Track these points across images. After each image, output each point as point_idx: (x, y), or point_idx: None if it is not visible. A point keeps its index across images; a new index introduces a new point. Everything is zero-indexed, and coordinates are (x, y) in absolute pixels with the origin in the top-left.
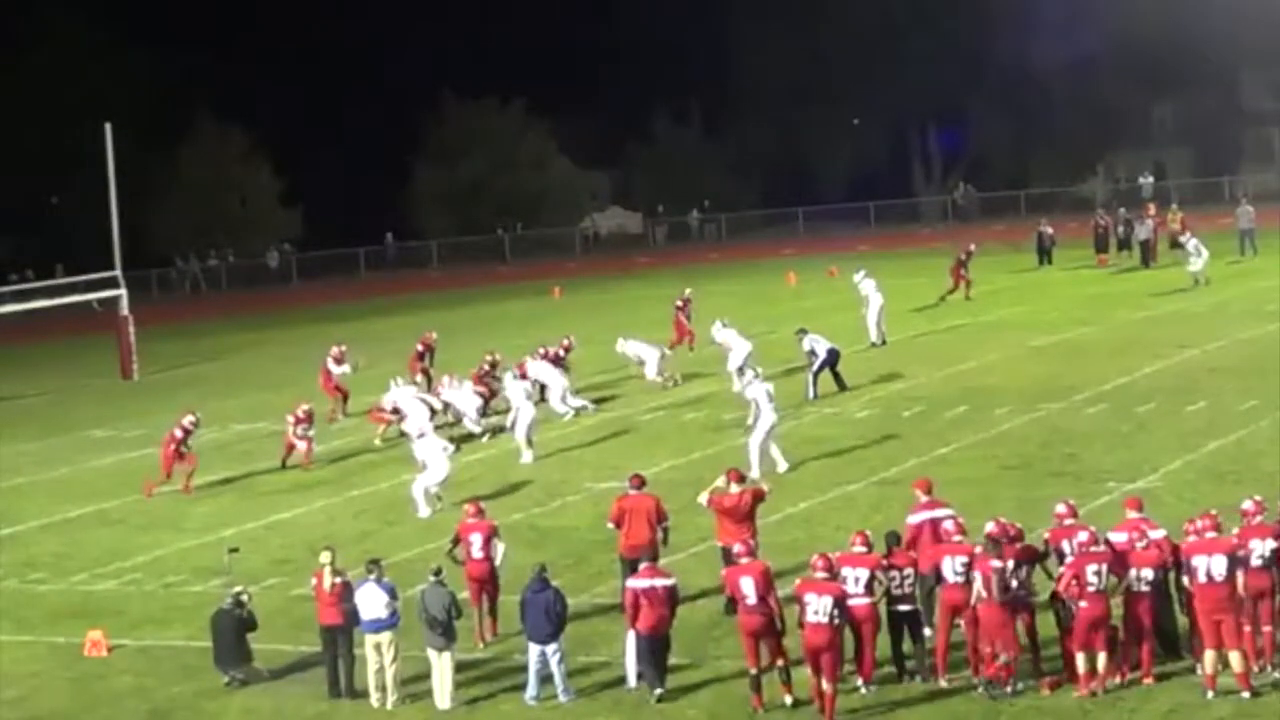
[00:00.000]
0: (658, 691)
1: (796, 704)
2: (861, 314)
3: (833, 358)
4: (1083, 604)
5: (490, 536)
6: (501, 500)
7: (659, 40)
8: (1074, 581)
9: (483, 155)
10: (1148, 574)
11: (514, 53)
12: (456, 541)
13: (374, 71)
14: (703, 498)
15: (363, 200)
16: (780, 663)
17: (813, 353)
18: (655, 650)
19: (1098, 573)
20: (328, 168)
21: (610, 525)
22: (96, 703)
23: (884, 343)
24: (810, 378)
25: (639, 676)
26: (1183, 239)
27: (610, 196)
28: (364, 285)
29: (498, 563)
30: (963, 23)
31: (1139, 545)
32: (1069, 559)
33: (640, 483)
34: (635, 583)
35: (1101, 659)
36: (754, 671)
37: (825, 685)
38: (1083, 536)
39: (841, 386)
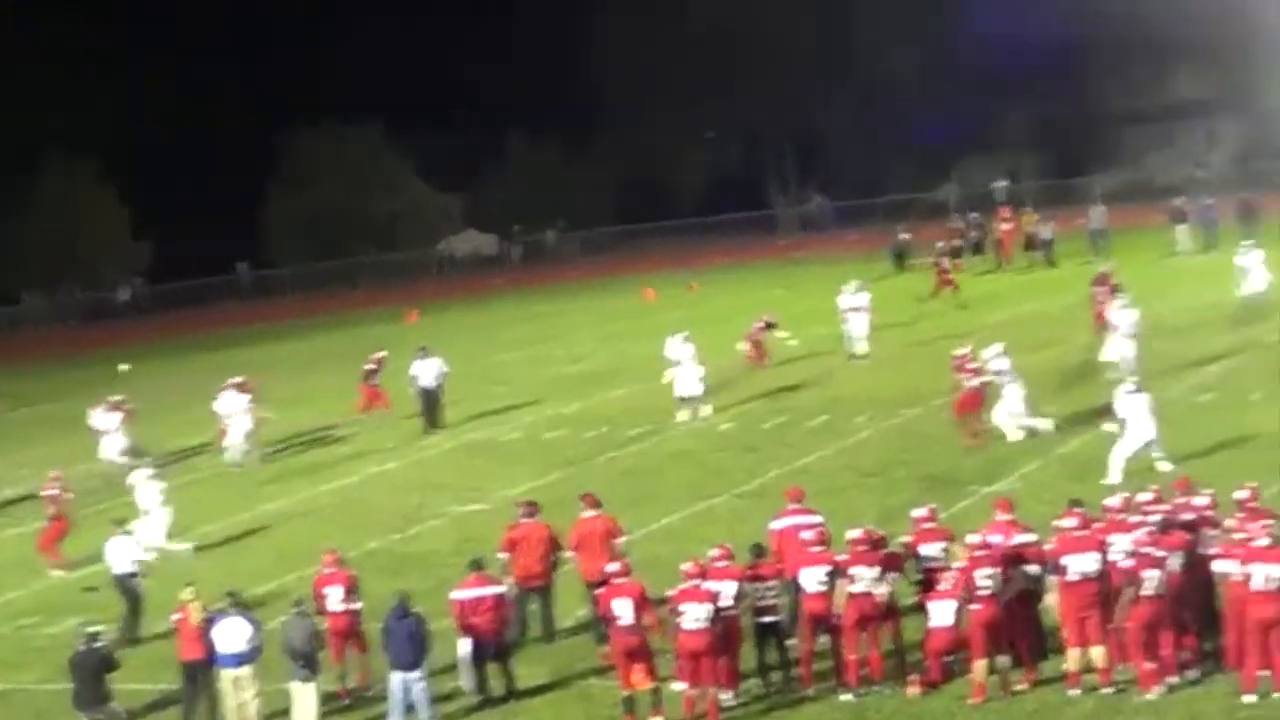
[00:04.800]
0: (477, 698)
1: None
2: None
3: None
4: (975, 607)
5: (351, 588)
6: (359, 528)
7: (513, 60)
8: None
9: (337, 179)
10: (1033, 569)
11: (367, 75)
12: (319, 599)
13: (225, 97)
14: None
15: (215, 229)
16: (651, 684)
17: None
18: (485, 657)
19: (989, 576)
20: (178, 197)
21: (501, 555)
22: None
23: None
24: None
25: (479, 686)
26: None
27: (465, 218)
28: (218, 316)
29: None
30: (814, 34)
31: (1017, 543)
32: (930, 563)
33: (532, 510)
34: (461, 593)
35: (1004, 662)
36: (627, 694)
37: (709, 691)
38: (939, 546)
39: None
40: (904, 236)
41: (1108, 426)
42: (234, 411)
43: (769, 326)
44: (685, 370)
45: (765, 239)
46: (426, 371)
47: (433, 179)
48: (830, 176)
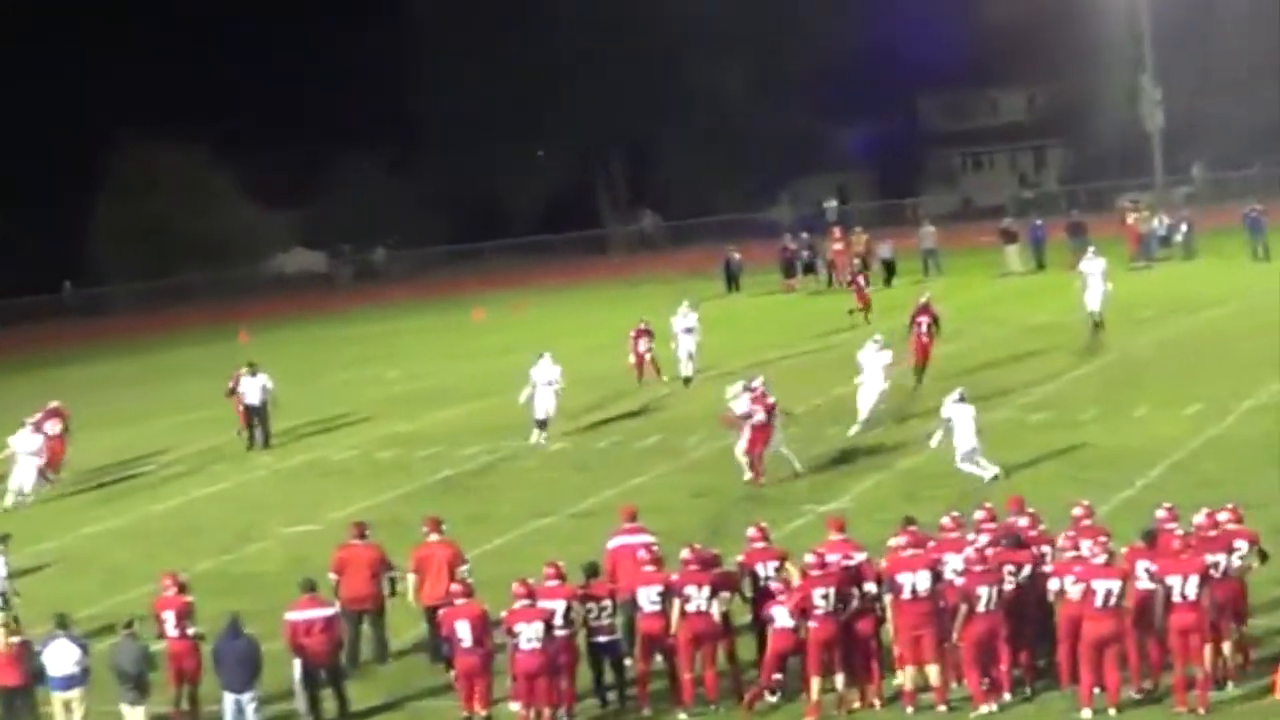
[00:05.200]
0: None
1: None
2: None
3: None
4: (812, 625)
5: (185, 614)
6: (191, 549)
7: (344, 78)
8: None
9: (166, 197)
10: (871, 588)
11: (197, 91)
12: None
13: (53, 111)
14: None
15: (40, 247)
16: (484, 712)
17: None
18: (317, 679)
19: (825, 595)
20: (1, 213)
21: (331, 576)
22: None
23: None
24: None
25: (310, 707)
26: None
27: (296, 236)
28: (41, 336)
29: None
30: (647, 53)
31: (855, 562)
32: (764, 582)
33: (360, 532)
34: (293, 615)
35: (839, 681)
36: (466, 715)
37: (545, 712)
38: (772, 566)
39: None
40: (735, 256)
41: (933, 442)
42: (24, 450)
43: (645, 334)
44: (545, 392)
45: (598, 258)
46: (252, 389)
47: (263, 197)
48: (662, 195)
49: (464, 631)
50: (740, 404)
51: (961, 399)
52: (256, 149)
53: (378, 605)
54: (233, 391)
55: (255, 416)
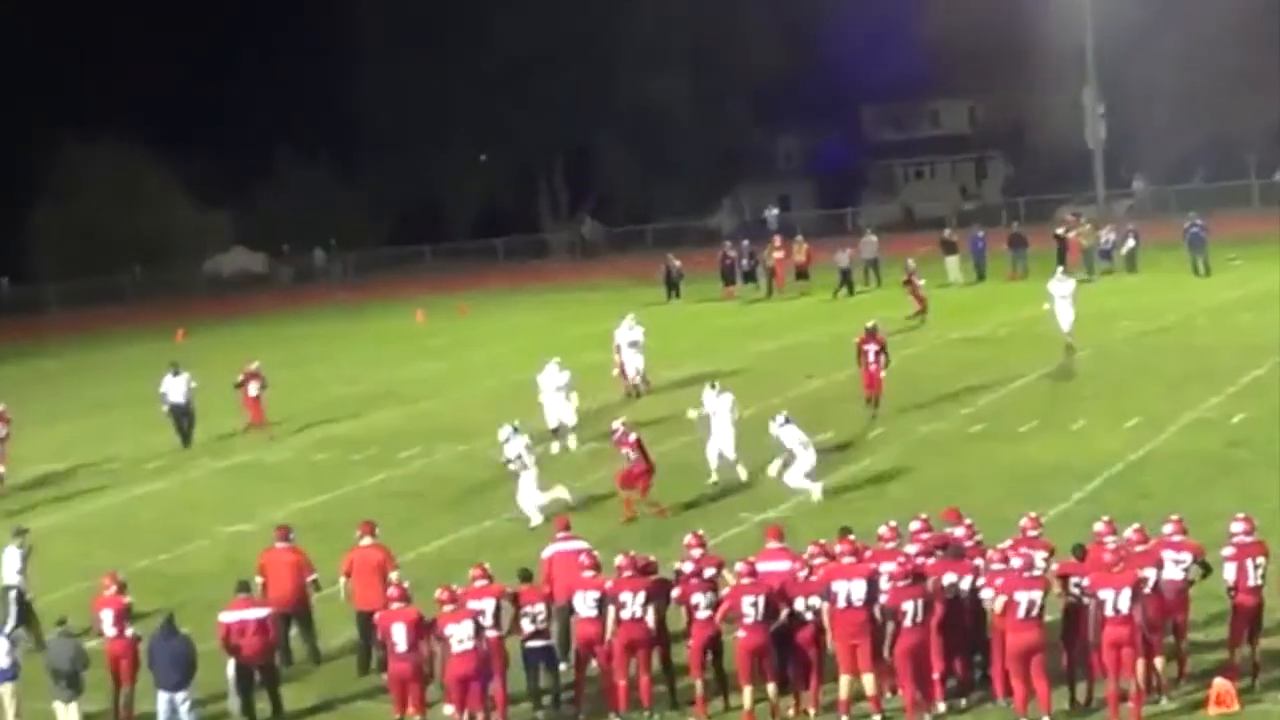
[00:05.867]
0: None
1: None
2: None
3: None
4: (740, 634)
5: (122, 614)
6: (127, 547)
7: (283, 77)
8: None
9: (101, 195)
10: (815, 602)
11: (133, 89)
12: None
13: None
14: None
15: None
16: (418, 716)
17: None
18: (251, 680)
19: (754, 604)
20: None
21: (257, 579)
22: None
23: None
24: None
25: (244, 708)
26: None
27: (234, 236)
28: None
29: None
30: (589, 59)
31: (801, 575)
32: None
33: (284, 534)
34: (228, 615)
35: (771, 689)
36: (398, 719)
37: (477, 716)
38: (688, 567)
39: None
40: (675, 263)
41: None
42: None
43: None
44: (557, 398)
45: (538, 263)
46: (176, 388)
47: (200, 196)
48: (602, 201)
49: (399, 635)
50: (511, 447)
51: (787, 421)
52: (194, 149)
53: (304, 608)
54: (241, 384)
55: (178, 415)
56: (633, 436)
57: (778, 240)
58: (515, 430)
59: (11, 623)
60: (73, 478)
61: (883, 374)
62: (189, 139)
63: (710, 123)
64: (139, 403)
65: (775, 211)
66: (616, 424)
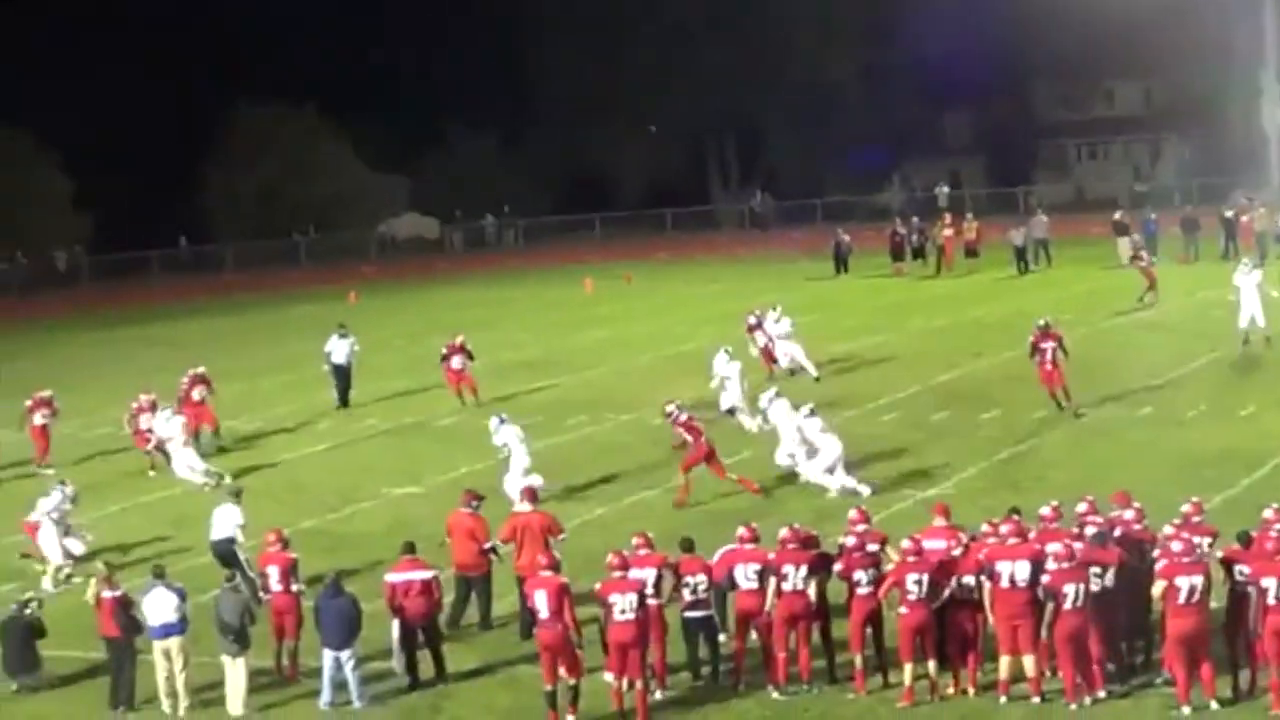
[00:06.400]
0: (407, 680)
1: None
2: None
3: None
4: (903, 611)
5: (289, 569)
6: (295, 506)
7: (455, 45)
8: (894, 589)
9: (277, 159)
10: (969, 581)
11: (308, 56)
12: (262, 577)
13: (168, 74)
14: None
15: (156, 203)
16: (573, 680)
17: None
18: (415, 640)
19: (918, 581)
20: (120, 170)
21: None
22: None
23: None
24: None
25: (408, 667)
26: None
27: (407, 201)
28: (158, 289)
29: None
30: (760, 31)
31: (955, 553)
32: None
33: (468, 500)
34: (393, 576)
35: (931, 667)
36: (550, 688)
37: (636, 684)
38: (850, 541)
39: None
40: (844, 238)
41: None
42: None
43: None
44: (729, 386)
45: (706, 235)
46: (340, 350)
47: (375, 161)
48: (771, 175)
49: (541, 602)
50: (499, 437)
51: (812, 413)
52: (371, 116)
53: (480, 573)
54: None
55: (340, 376)
56: (684, 417)
57: (948, 218)
58: (503, 421)
59: (236, 577)
60: (242, 437)
61: (1059, 371)
62: (365, 106)
63: (881, 98)
64: (309, 363)
65: (946, 189)
66: (671, 406)
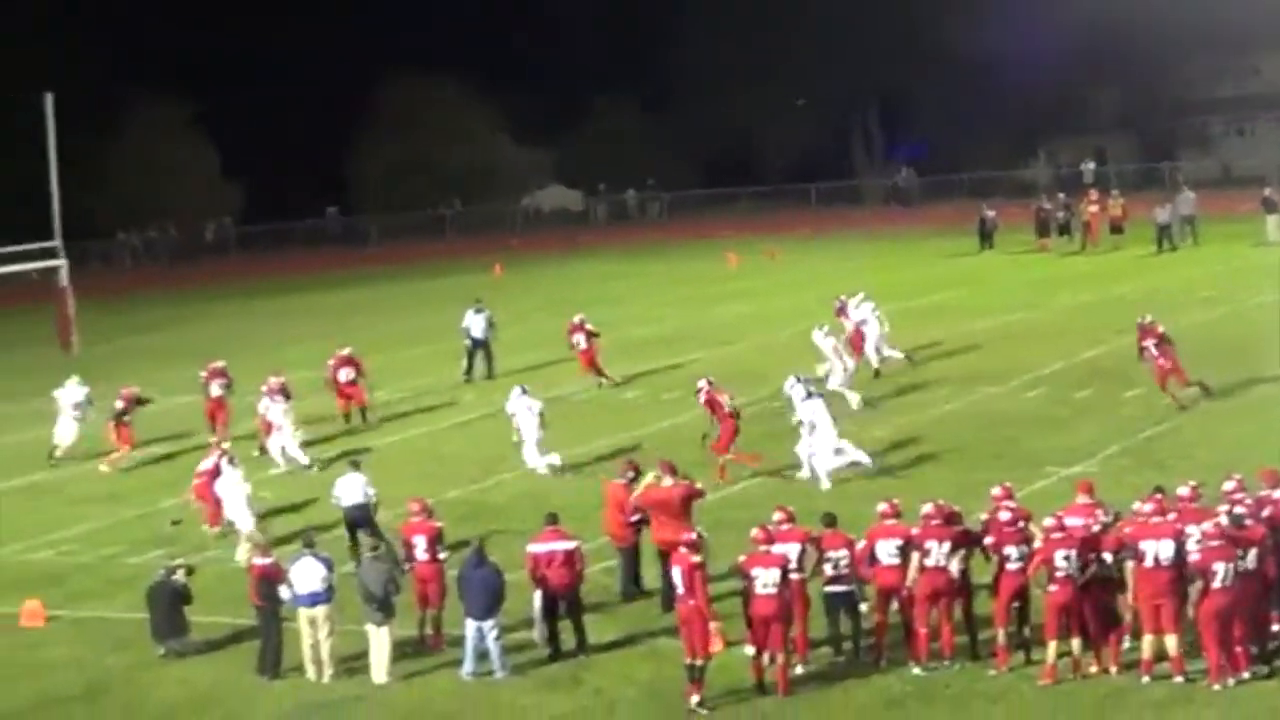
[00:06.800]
0: (548, 651)
1: (702, 703)
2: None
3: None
4: (1052, 588)
5: (435, 539)
6: (437, 477)
7: (602, 17)
8: (1042, 566)
9: (424, 131)
10: (1107, 558)
11: (456, 29)
12: (407, 546)
13: (317, 46)
14: (634, 495)
15: (304, 175)
16: (699, 660)
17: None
18: (556, 611)
19: (1066, 557)
20: (269, 142)
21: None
22: (32, 673)
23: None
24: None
25: (549, 638)
26: None
27: (552, 174)
28: (304, 259)
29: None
30: (907, 6)
31: (1094, 529)
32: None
33: (623, 470)
34: (535, 546)
35: (1075, 645)
36: (690, 661)
37: (778, 657)
38: (1004, 516)
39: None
40: (989, 214)
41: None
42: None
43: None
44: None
45: (850, 209)
46: (477, 324)
47: (521, 134)
48: (917, 150)
49: (677, 579)
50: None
51: (809, 395)
52: (517, 88)
53: (628, 544)
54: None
55: (479, 350)
56: (704, 397)
57: (1093, 194)
58: (524, 392)
59: (381, 547)
60: (384, 408)
61: (1170, 362)
62: (512, 78)
63: (1028, 73)
64: (453, 335)
65: (1091, 165)
66: (701, 382)
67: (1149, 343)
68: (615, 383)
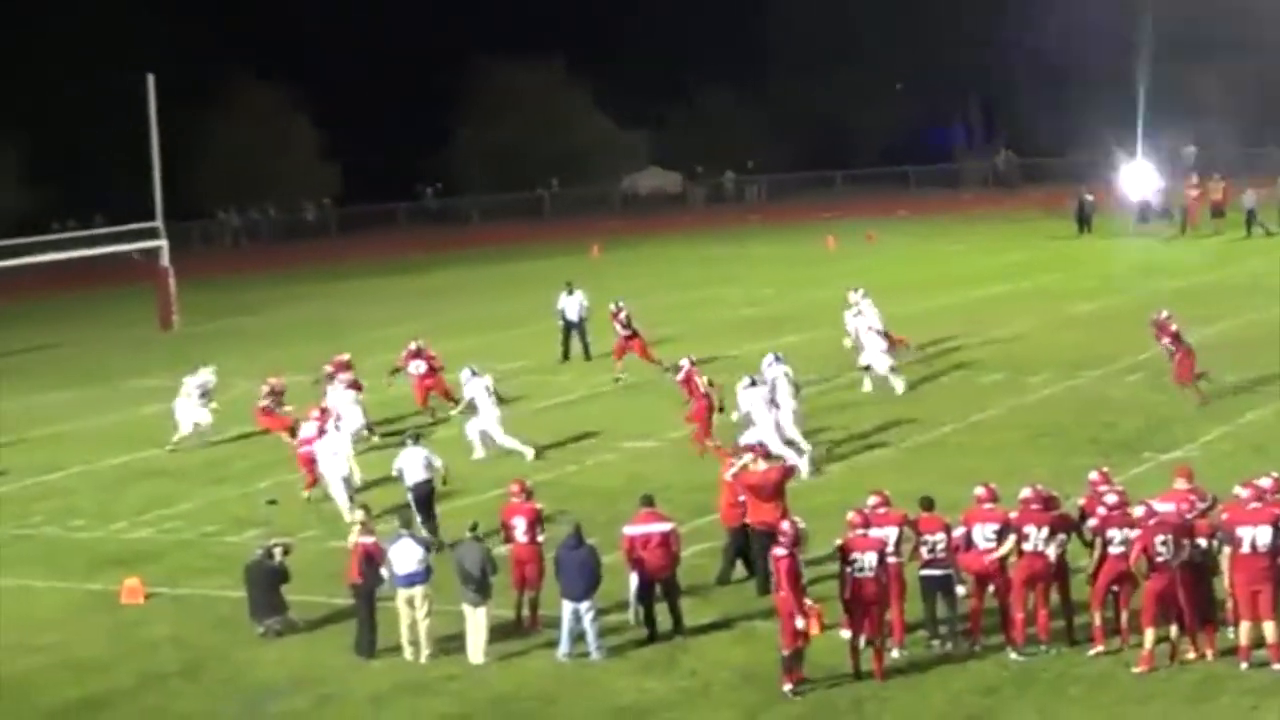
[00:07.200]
0: (644, 633)
1: (796, 689)
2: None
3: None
4: (1152, 576)
5: (535, 521)
6: (539, 458)
7: (701, 1)
8: (1143, 553)
9: (522, 113)
10: (1202, 544)
11: (554, 11)
12: (506, 528)
13: (415, 29)
14: (729, 474)
15: (403, 156)
16: (785, 650)
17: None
18: (653, 593)
19: (1165, 543)
20: (368, 124)
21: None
22: (132, 650)
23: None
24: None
25: (645, 620)
26: None
27: (649, 156)
28: (403, 240)
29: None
30: None
31: (1189, 515)
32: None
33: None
34: (631, 529)
35: (1174, 631)
36: (786, 652)
37: (874, 641)
38: (1111, 499)
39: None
40: (1088, 198)
41: None
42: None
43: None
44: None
45: (949, 193)
46: (571, 306)
47: (619, 116)
48: (1017, 133)
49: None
50: (469, 389)
51: (752, 382)
52: (615, 71)
53: (735, 526)
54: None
55: (574, 331)
56: (683, 374)
57: (1193, 178)
58: (474, 374)
59: (478, 527)
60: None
61: (1186, 359)
62: (610, 61)
63: (1125, 56)
64: (550, 317)
65: (1192, 149)
66: (684, 360)
67: (1163, 341)
68: (617, 377)
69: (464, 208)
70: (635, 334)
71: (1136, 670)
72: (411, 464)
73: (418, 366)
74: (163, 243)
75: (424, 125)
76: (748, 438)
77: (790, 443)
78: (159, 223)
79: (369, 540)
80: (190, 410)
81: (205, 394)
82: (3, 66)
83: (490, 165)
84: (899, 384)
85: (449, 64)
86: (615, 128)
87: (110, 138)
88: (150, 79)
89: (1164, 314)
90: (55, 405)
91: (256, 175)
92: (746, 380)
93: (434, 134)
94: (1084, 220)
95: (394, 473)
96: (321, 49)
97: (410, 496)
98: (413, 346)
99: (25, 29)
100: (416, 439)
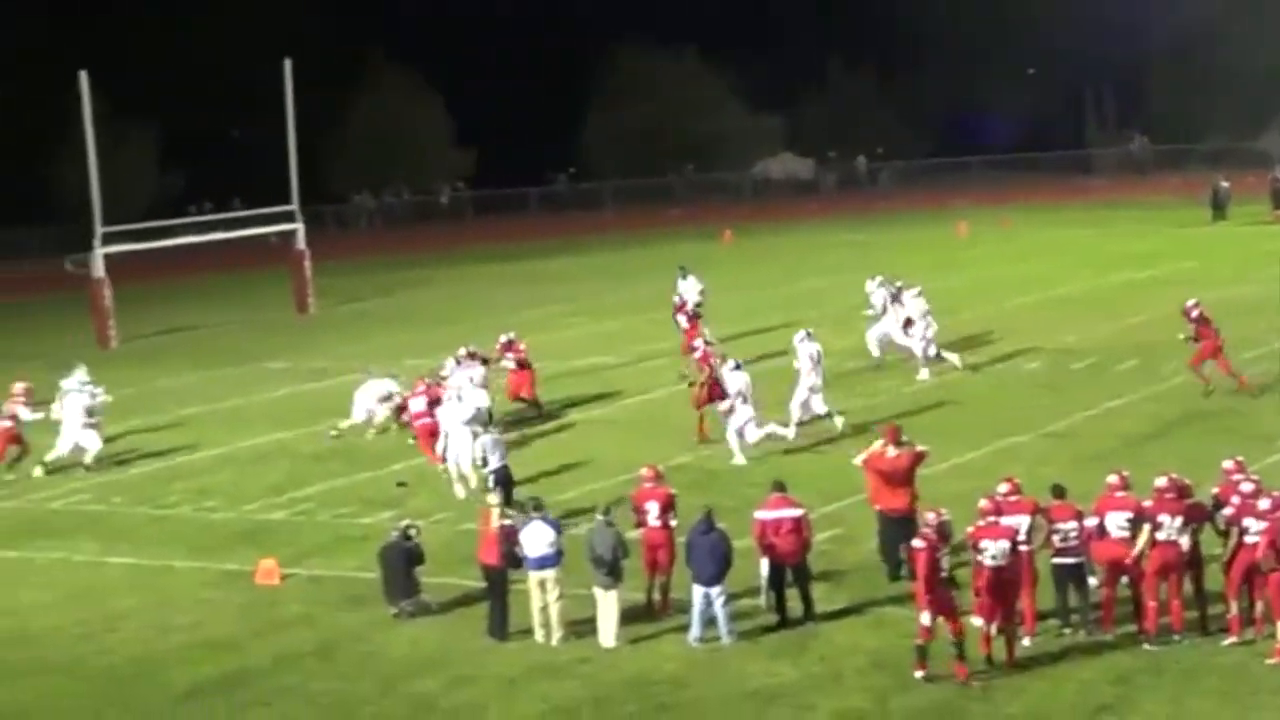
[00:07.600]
0: (775, 618)
1: (928, 677)
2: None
3: None
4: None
5: (667, 505)
6: (669, 442)
7: None
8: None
9: (655, 99)
10: None
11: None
12: (639, 512)
13: (550, 13)
14: (858, 459)
15: (536, 141)
16: (920, 641)
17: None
18: (784, 579)
19: None
20: (502, 109)
21: None
22: (266, 630)
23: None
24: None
25: (776, 605)
26: None
27: (782, 142)
28: (536, 224)
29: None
30: None
31: None
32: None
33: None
34: (763, 513)
35: None
36: (919, 642)
37: (1007, 629)
38: (1247, 488)
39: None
40: (1223, 184)
41: None
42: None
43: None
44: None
45: (1083, 179)
46: (689, 290)
47: (752, 101)
48: (1150, 120)
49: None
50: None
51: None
52: (748, 57)
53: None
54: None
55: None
56: (697, 356)
57: None
58: (459, 364)
59: (611, 511)
60: (613, 373)
61: (1212, 344)
62: (743, 47)
63: (1262, 40)
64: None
65: None
66: (698, 341)
67: (1192, 329)
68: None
69: (596, 192)
70: (527, 367)
71: (1270, 662)
72: (494, 451)
73: (510, 360)
74: (299, 226)
75: (557, 110)
76: (733, 423)
77: (802, 421)
78: (295, 206)
79: (505, 522)
80: (369, 403)
81: (388, 398)
82: (143, 52)
83: (623, 151)
84: (924, 372)
85: (583, 48)
86: (748, 113)
87: (248, 122)
88: (287, 64)
89: (1194, 302)
90: (191, 387)
91: (391, 158)
92: (731, 363)
93: (567, 119)
94: (1219, 207)
95: (476, 461)
96: (455, 32)
97: (491, 480)
98: (504, 339)
99: (168, 14)
100: (485, 425)
